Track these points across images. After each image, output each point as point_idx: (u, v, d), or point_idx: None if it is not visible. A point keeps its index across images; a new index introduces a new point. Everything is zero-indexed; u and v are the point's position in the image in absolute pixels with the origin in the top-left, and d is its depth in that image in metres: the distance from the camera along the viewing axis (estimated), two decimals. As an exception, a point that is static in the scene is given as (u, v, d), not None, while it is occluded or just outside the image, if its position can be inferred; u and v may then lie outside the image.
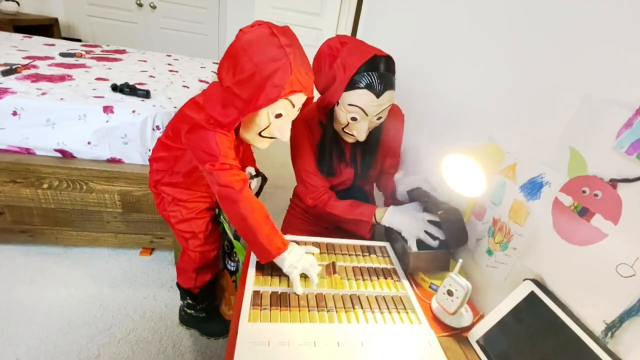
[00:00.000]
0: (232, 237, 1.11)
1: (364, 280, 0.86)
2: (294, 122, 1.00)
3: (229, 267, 1.22)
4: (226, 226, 1.12)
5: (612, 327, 0.55)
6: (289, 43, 0.75)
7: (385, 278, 0.89)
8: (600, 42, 0.61)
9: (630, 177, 0.54)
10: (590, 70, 0.63)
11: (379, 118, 0.96)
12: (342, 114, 0.95)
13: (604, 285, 0.57)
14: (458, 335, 0.76)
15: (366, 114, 0.92)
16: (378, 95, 0.89)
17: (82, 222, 1.50)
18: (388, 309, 0.79)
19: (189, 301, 1.25)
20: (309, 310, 0.74)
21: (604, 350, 0.54)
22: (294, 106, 0.82)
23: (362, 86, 0.88)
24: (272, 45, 0.74)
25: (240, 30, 0.80)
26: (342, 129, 0.99)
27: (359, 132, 0.96)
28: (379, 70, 0.88)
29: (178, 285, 1.24)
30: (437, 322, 0.79)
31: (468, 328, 0.77)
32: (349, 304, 0.78)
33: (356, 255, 0.95)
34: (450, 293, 0.76)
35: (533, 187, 0.73)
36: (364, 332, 0.71)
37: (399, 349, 0.69)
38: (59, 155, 1.40)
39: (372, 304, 0.79)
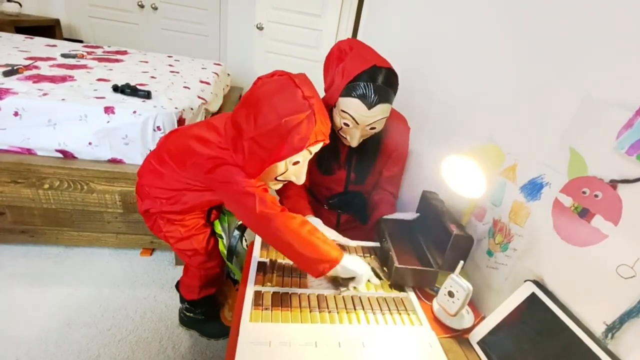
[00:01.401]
0: (225, 259, 1.08)
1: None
2: None
3: (232, 276, 1.21)
4: (221, 244, 1.08)
5: (613, 328, 0.55)
6: (311, 95, 0.75)
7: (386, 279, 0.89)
8: (600, 43, 0.61)
9: (631, 178, 0.54)
10: (590, 70, 0.63)
11: (372, 128, 0.95)
12: (337, 118, 0.96)
13: (605, 287, 0.57)
14: (459, 336, 0.76)
15: (357, 123, 0.92)
16: (370, 107, 0.89)
17: (83, 223, 1.51)
18: (389, 310, 0.79)
19: (188, 305, 1.25)
20: (310, 311, 0.74)
21: (604, 351, 0.54)
22: (311, 154, 0.82)
23: (355, 95, 0.88)
24: (296, 96, 0.73)
25: (259, 78, 0.80)
26: (338, 131, 1.00)
27: (351, 138, 0.97)
28: (375, 82, 0.88)
29: (177, 289, 1.23)
30: (438, 323, 0.79)
31: (469, 329, 0.77)
32: (350, 305, 0.78)
33: (357, 256, 0.95)
34: (451, 294, 0.76)
35: (533, 188, 0.73)
36: (365, 333, 0.71)
37: (400, 350, 0.69)
38: (60, 155, 1.40)
39: (373, 305, 0.79)
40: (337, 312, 0.75)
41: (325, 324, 0.72)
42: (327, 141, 0.83)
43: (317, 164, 1.10)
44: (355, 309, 0.77)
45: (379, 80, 0.88)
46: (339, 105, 0.93)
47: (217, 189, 0.86)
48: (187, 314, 1.28)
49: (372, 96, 0.87)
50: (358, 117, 0.91)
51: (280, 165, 0.81)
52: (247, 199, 0.79)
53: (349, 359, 0.65)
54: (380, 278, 0.89)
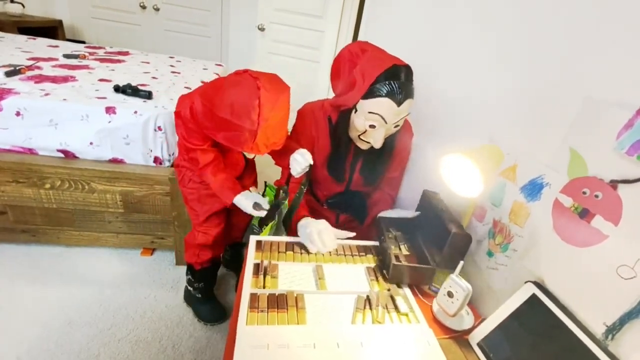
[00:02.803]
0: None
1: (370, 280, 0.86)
2: (301, 110, 1.10)
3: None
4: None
5: (613, 330, 0.55)
6: (267, 116, 0.87)
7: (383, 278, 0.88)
8: (600, 43, 0.61)
9: (631, 178, 0.54)
10: (590, 71, 0.62)
11: (396, 126, 0.96)
12: (360, 121, 0.94)
13: (605, 287, 0.57)
14: (459, 337, 0.76)
15: (385, 122, 0.92)
16: (399, 104, 0.89)
17: (84, 222, 1.51)
18: (387, 308, 0.79)
19: (190, 277, 1.34)
20: (307, 312, 0.74)
21: (604, 352, 0.54)
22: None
23: (384, 94, 0.88)
24: (251, 113, 0.86)
25: (248, 72, 0.91)
26: (358, 136, 0.99)
27: (376, 140, 0.96)
28: (400, 79, 0.88)
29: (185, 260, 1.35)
30: (438, 324, 0.79)
31: (469, 331, 0.77)
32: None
33: (352, 255, 0.95)
34: (450, 295, 0.75)
35: (533, 188, 0.72)
36: (363, 333, 0.71)
37: (399, 348, 0.69)
38: (62, 155, 1.41)
39: (372, 304, 0.79)
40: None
41: (323, 325, 0.72)
42: (263, 154, 0.98)
43: (328, 169, 1.10)
44: (352, 308, 0.77)
45: (402, 78, 0.89)
46: (365, 108, 0.92)
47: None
48: (189, 287, 1.38)
49: (400, 93, 0.88)
50: (387, 115, 0.91)
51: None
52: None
53: (348, 359, 0.65)
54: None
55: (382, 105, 0.89)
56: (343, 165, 1.10)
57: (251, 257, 0.87)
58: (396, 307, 0.79)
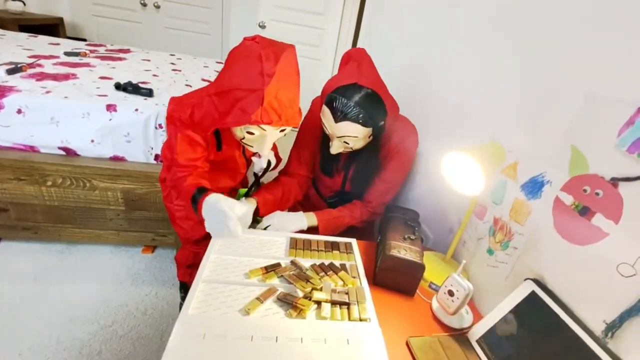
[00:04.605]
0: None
1: (320, 277, 0.80)
2: (313, 101, 1.08)
3: None
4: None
5: (613, 327, 0.55)
6: (271, 72, 0.73)
7: (339, 273, 0.82)
8: (602, 41, 0.61)
9: (632, 176, 0.53)
10: (592, 68, 0.62)
11: (345, 142, 0.95)
12: (322, 122, 0.98)
13: (605, 285, 0.57)
14: (458, 334, 0.76)
15: (328, 131, 0.95)
16: (336, 120, 0.90)
17: (85, 220, 1.52)
18: (339, 307, 0.73)
19: (183, 294, 1.31)
20: (251, 305, 0.69)
21: (604, 350, 0.54)
22: (265, 130, 0.82)
23: (328, 105, 0.91)
24: (253, 70, 0.73)
25: (245, 38, 0.82)
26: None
27: (331, 146, 0.98)
28: (349, 99, 0.87)
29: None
30: (437, 321, 0.79)
31: (468, 329, 0.77)
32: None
33: (318, 251, 0.90)
34: (451, 293, 0.76)
35: (534, 186, 0.72)
36: (305, 327, 0.67)
37: (341, 346, 0.65)
38: (63, 153, 1.41)
39: (320, 297, 0.73)
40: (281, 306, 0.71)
41: (265, 317, 0.68)
42: (289, 125, 0.84)
43: (320, 162, 1.11)
44: (299, 304, 0.71)
45: (353, 99, 0.87)
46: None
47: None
48: (182, 303, 1.30)
49: (340, 111, 0.89)
50: (327, 125, 0.94)
51: (237, 130, 0.84)
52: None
53: (285, 353, 0.61)
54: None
55: (325, 114, 0.93)
56: (328, 160, 1.10)
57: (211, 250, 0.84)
58: (348, 298, 0.74)
